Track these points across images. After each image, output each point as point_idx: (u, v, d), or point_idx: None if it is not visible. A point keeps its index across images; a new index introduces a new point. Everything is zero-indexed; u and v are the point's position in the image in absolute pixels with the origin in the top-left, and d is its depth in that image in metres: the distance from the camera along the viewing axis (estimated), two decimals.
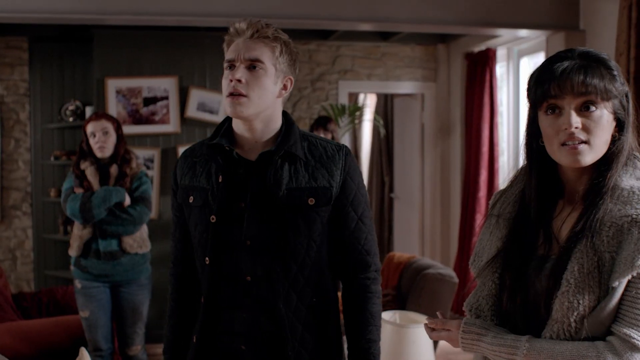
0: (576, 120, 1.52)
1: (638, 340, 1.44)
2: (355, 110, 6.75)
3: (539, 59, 5.76)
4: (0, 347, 3.98)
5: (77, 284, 3.87)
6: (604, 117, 1.53)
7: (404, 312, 3.47)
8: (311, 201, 1.93)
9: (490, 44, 6.26)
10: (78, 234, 3.85)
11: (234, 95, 1.89)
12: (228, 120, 2.04)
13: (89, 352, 3.84)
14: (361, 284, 2.03)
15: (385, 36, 6.91)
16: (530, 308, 1.60)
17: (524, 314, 1.61)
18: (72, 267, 3.93)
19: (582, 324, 1.48)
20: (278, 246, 1.91)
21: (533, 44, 5.78)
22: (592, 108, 1.52)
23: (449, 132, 7.20)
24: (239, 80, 1.88)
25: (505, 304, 1.64)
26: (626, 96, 1.58)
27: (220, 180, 1.95)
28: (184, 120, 6.05)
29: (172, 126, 6.04)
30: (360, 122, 8.56)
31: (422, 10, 4.92)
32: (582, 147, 1.52)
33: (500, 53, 6.30)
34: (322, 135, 5.11)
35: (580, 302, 1.47)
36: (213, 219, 1.94)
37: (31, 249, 6.52)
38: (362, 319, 2.01)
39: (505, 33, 5.55)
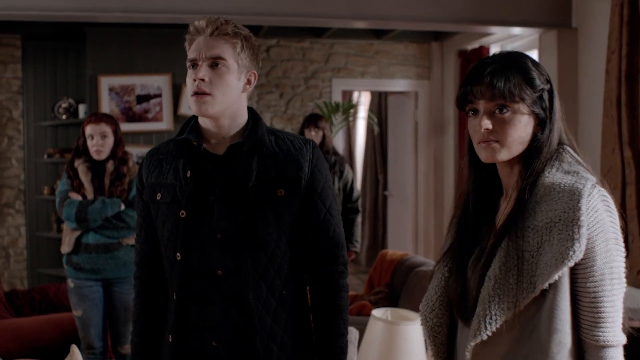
0: (486, 122, 1.62)
1: (607, 339, 1.54)
2: (349, 108, 6.76)
3: (532, 56, 5.77)
4: None
5: (70, 283, 3.87)
6: (516, 118, 1.62)
7: (395, 309, 3.47)
8: (280, 192, 1.94)
9: (483, 41, 6.27)
10: (69, 229, 3.85)
11: (199, 94, 1.90)
12: (195, 117, 2.05)
13: (82, 350, 3.84)
14: (329, 277, 2.03)
15: (378, 34, 6.91)
16: (468, 299, 1.68)
17: (465, 305, 1.69)
18: (64, 266, 3.92)
19: (500, 319, 1.56)
20: (248, 238, 1.91)
21: (526, 42, 5.79)
22: (505, 110, 1.62)
23: (442, 130, 7.21)
24: (202, 79, 1.89)
25: (452, 295, 1.73)
26: (549, 93, 1.65)
27: (188, 175, 1.95)
28: (177, 117, 6.04)
29: (165, 124, 6.05)
30: (355, 119, 8.56)
31: (416, 7, 4.93)
32: (495, 145, 1.63)
33: (494, 51, 6.29)
34: (313, 133, 5.11)
35: (500, 297, 1.56)
36: (183, 214, 1.93)
37: (24, 247, 6.51)
38: (330, 312, 2.02)
39: (498, 31, 5.56)
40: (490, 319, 1.56)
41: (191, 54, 1.94)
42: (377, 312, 3.37)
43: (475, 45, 6.41)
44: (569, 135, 1.70)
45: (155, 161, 2.06)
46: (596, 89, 4.66)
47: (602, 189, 1.57)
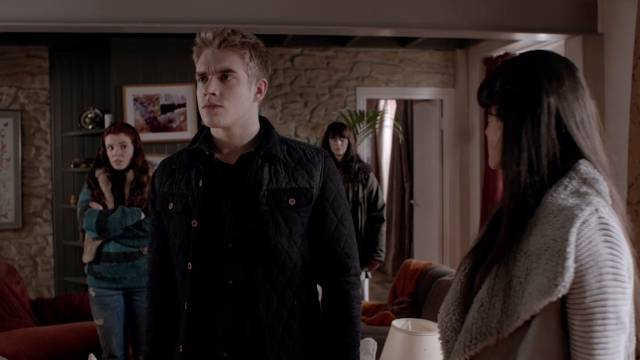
0: (488, 130, 1.61)
1: None
2: (373, 117, 6.73)
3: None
4: (16, 353, 4.01)
5: (92, 292, 3.89)
6: (492, 124, 1.58)
7: (416, 319, 3.43)
8: (292, 202, 1.93)
9: (508, 48, 6.22)
10: (90, 238, 3.88)
11: (210, 106, 1.90)
12: (207, 127, 2.04)
13: (103, 358, 3.86)
14: (341, 288, 2.01)
15: (403, 42, 6.89)
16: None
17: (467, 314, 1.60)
18: (87, 275, 3.95)
19: (481, 344, 1.46)
20: (259, 248, 1.90)
21: (551, 48, 5.69)
22: (490, 117, 1.59)
23: (468, 138, 7.15)
24: (213, 94, 1.89)
25: (463, 301, 1.63)
26: (522, 97, 1.49)
27: (200, 184, 1.95)
28: (201, 127, 6.07)
29: (189, 133, 6.08)
30: (380, 128, 8.53)
31: (440, 15, 4.90)
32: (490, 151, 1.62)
33: None
34: (339, 142, 5.10)
35: (484, 321, 1.46)
36: (194, 223, 1.93)
37: (51, 256, 6.58)
38: (341, 324, 1.99)
39: (523, 37, 5.51)
40: (470, 342, 1.48)
41: (200, 67, 1.94)
42: (397, 323, 3.33)
43: (500, 52, 6.35)
44: (595, 147, 1.52)
45: (168, 171, 2.07)
46: (623, 95, 4.58)
47: (606, 217, 1.38)
